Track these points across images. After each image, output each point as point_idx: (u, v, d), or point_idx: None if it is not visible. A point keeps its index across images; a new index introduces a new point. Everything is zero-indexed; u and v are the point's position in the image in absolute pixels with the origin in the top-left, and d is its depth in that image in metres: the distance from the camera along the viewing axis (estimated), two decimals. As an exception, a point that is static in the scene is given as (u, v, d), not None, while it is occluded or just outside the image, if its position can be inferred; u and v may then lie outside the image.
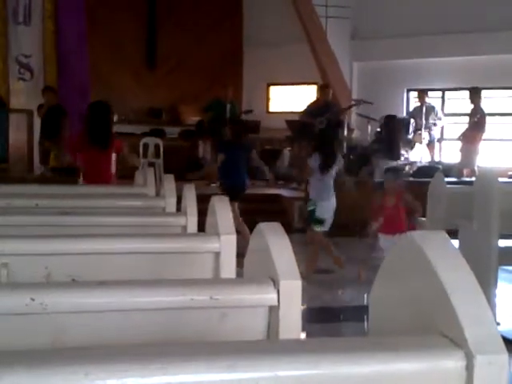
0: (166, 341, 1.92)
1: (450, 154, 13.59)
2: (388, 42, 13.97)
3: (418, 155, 12.99)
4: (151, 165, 10.43)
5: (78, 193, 4.98)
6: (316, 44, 14.51)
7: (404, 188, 7.02)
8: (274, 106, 16.55)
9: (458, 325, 1.41)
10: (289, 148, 13.28)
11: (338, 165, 7.83)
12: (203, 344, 1.64)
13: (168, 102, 15.87)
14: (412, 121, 12.74)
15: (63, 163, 8.89)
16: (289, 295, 1.93)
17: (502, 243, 5.72)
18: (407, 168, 12.31)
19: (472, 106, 11.99)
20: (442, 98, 14.42)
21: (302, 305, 1.97)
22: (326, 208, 7.57)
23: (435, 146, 13.46)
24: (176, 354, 1.40)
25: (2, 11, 12.57)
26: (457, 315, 1.42)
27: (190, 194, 3.63)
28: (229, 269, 2.75)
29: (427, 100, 13.11)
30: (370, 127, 12.24)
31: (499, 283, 5.80)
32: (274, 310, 1.96)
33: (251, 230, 2.16)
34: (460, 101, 13.79)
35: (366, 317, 1.80)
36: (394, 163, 9.31)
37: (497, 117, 13.48)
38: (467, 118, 12.24)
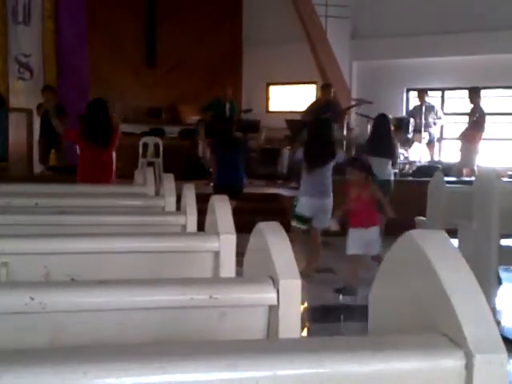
0: (166, 340, 1.92)
1: (449, 153, 13.59)
2: (388, 42, 13.97)
3: (417, 155, 12.99)
4: (151, 164, 10.44)
5: (77, 192, 4.99)
6: (316, 43, 14.51)
7: (371, 182, 6.85)
8: (273, 106, 16.55)
9: (458, 324, 1.41)
10: (288, 147, 13.27)
11: (334, 162, 7.74)
12: (203, 343, 1.64)
13: (168, 102, 15.86)
14: (412, 120, 12.74)
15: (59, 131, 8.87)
16: (288, 294, 1.93)
17: (502, 243, 5.72)
18: (407, 167, 12.32)
19: (471, 106, 11.99)
20: (442, 97, 14.43)
21: (303, 304, 1.97)
22: (309, 205, 7.47)
23: (435, 145, 13.46)
24: (175, 353, 1.40)
25: (2, 10, 12.58)
26: (456, 315, 1.42)
27: (190, 194, 3.63)
28: (228, 268, 2.75)
29: (427, 99, 13.12)
30: (369, 127, 12.24)
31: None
32: (273, 310, 1.96)
33: (250, 229, 2.16)
34: (459, 100, 13.79)
35: (366, 316, 1.79)
36: (388, 162, 9.25)
37: (496, 116, 13.48)
38: (467, 118, 12.24)
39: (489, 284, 5.45)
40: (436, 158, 13.43)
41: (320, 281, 7.36)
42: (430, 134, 13.03)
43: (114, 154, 7.24)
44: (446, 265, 1.51)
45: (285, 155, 13.41)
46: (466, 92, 12.24)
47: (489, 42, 12.78)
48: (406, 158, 12.63)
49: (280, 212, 10.16)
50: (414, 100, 14.18)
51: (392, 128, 12.17)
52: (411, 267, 1.59)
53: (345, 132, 12.18)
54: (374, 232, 6.72)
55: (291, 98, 16.00)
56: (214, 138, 9.89)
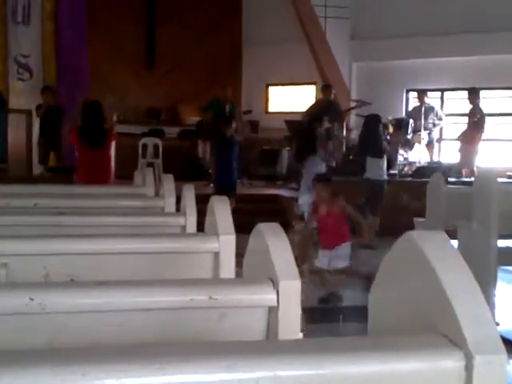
0: (165, 341, 1.92)
1: (449, 154, 13.60)
2: (387, 43, 13.97)
3: (417, 155, 13.00)
4: (150, 165, 10.43)
5: (76, 193, 4.98)
6: (315, 44, 14.52)
7: (338, 198, 6.69)
8: (273, 106, 16.56)
9: (458, 325, 1.41)
10: (288, 148, 13.28)
11: (323, 161, 7.72)
12: (202, 344, 1.64)
13: (167, 102, 15.87)
14: (411, 121, 12.75)
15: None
16: (288, 295, 1.93)
17: (502, 243, 5.72)
18: (406, 168, 12.33)
19: (471, 107, 12.00)
20: (441, 98, 14.44)
21: (302, 304, 1.97)
22: (305, 201, 7.46)
23: (434, 146, 13.47)
24: (175, 354, 1.40)
25: (2, 11, 12.59)
26: (456, 315, 1.42)
27: (189, 194, 3.63)
28: (228, 269, 2.75)
29: (426, 100, 13.12)
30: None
31: (498, 283, 5.80)
32: (273, 311, 1.95)
33: (250, 230, 2.16)
34: (459, 101, 13.80)
35: (365, 317, 1.79)
36: (380, 162, 9.27)
37: (496, 117, 13.48)
38: (466, 119, 12.24)
39: (488, 285, 5.44)
40: (435, 159, 13.44)
41: (318, 282, 7.36)
42: (429, 135, 13.03)
43: (111, 155, 7.25)
44: (445, 265, 1.51)
45: (284, 156, 13.42)
46: (466, 93, 12.25)
47: (488, 43, 12.79)
48: (405, 158, 12.64)
49: (280, 213, 10.17)
50: (413, 101, 14.19)
51: (391, 129, 12.21)
52: (411, 268, 1.59)
53: (344, 133, 12.19)
54: (343, 249, 6.59)
55: (291, 99, 16.01)
56: (213, 139, 9.92)
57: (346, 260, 6.56)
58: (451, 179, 10.40)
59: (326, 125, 9.76)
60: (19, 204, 4.13)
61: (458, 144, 12.42)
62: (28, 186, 5.76)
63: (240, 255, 2.40)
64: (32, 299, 1.87)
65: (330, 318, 6.40)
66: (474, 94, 11.90)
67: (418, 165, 12.54)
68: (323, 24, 14.21)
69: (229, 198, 3.01)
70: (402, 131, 12.29)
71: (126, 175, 6.81)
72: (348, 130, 12.62)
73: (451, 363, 1.40)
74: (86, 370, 1.31)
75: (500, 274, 5.91)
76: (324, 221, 6.61)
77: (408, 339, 1.52)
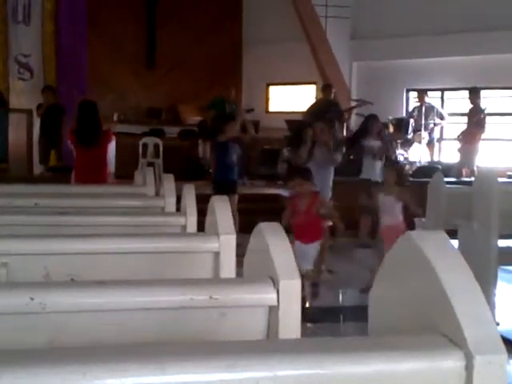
0: (166, 340, 1.92)
1: (449, 153, 13.59)
2: (387, 42, 13.97)
3: (417, 155, 13.00)
4: (151, 164, 10.43)
5: (77, 192, 4.98)
6: (316, 44, 14.52)
7: (318, 194, 6.51)
8: (273, 106, 16.56)
9: (458, 325, 1.41)
10: (288, 148, 13.26)
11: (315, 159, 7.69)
12: (203, 344, 1.64)
13: (167, 102, 15.87)
14: (411, 121, 12.74)
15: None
16: (288, 295, 1.93)
17: (502, 243, 5.72)
18: (406, 168, 12.33)
19: (472, 106, 11.99)
20: (442, 97, 14.43)
21: (303, 304, 1.97)
22: None
23: (435, 145, 13.46)
24: (175, 354, 1.40)
25: (2, 10, 12.58)
26: (456, 315, 1.42)
27: (190, 194, 3.63)
28: (228, 268, 2.75)
29: (427, 100, 13.12)
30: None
31: (499, 283, 5.80)
32: (273, 310, 1.95)
33: (250, 229, 2.16)
34: (459, 101, 13.79)
35: (366, 317, 1.79)
36: (376, 162, 9.27)
37: (496, 117, 13.48)
38: (466, 118, 12.24)
39: (488, 284, 5.44)
40: (436, 159, 13.43)
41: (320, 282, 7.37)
42: (429, 135, 13.03)
43: (108, 155, 7.24)
44: (445, 265, 1.51)
45: (285, 155, 13.39)
46: (466, 92, 12.24)
47: (488, 43, 12.78)
48: (405, 158, 12.64)
49: (280, 212, 10.14)
50: (413, 100, 14.18)
51: (392, 128, 12.21)
52: (411, 268, 1.59)
53: (344, 133, 12.18)
54: (312, 249, 6.28)
55: (291, 99, 16.01)
56: (213, 138, 9.92)
57: (310, 262, 6.24)
58: (451, 179, 10.39)
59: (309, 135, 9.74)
60: (20, 203, 4.13)
61: (458, 144, 12.42)
62: (28, 185, 5.76)
63: (240, 255, 2.40)
64: (32, 299, 1.88)
65: (330, 317, 6.40)
66: (474, 94, 11.90)
67: (418, 164, 12.54)
68: (323, 23, 14.21)
69: (229, 196, 3.01)
70: (402, 131, 12.29)
71: (126, 175, 6.81)
72: (348, 130, 12.61)
73: (451, 363, 1.40)
74: (86, 369, 1.31)
75: (500, 274, 5.91)
76: (301, 216, 6.32)
77: (408, 339, 1.52)
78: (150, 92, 15.57)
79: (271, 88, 16.56)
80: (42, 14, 12.70)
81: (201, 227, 3.19)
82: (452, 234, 4.76)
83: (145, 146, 12.50)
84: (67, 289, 2.04)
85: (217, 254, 2.78)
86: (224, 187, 8.22)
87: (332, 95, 12.33)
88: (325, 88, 12.59)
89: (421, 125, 12.71)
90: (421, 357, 1.42)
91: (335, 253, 8.07)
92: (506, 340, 1.46)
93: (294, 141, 9.61)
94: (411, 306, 1.58)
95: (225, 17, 16.12)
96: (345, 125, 12.25)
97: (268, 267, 1.98)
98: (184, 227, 3.55)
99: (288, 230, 6.36)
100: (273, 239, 2.01)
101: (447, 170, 11.24)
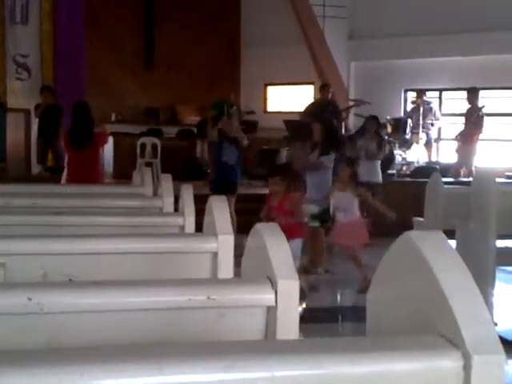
0: (164, 341, 1.91)
1: (447, 154, 13.60)
2: (385, 42, 13.97)
3: (415, 155, 13.00)
4: (149, 165, 10.42)
5: (75, 193, 4.98)
6: (313, 44, 14.52)
7: (293, 192, 6.40)
8: (271, 106, 16.55)
9: (456, 325, 1.41)
10: (286, 148, 13.26)
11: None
12: (201, 344, 1.64)
13: (166, 102, 15.86)
14: (409, 121, 12.74)
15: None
16: (286, 295, 1.93)
17: (500, 243, 5.72)
18: (404, 168, 12.34)
19: (470, 106, 11.99)
20: (440, 98, 14.43)
21: (301, 305, 1.97)
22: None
23: (433, 146, 13.47)
24: (173, 354, 1.40)
25: (0, 11, 12.57)
26: (454, 315, 1.42)
27: (188, 194, 3.63)
28: (226, 269, 2.75)
29: (425, 100, 13.12)
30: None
31: (497, 283, 5.81)
32: (271, 310, 1.95)
33: (248, 230, 2.16)
34: (457, 101, 13.80)
35: (364, 317, 1.79)
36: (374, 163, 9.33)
37: (494, 117, 13.48)
38: (464, 119, 12.24)
39: (486, 285, 5.44)
40: (434, 159, 13.44)
41: (318, 282, 7.37)
42: (427, 135, 13.04)
43: (101, 156, 7.23)
44: (443, 265, 1.51)
45: (283, 156, 13.40)
46: (464, 93, 12.25)
47: (486, 43, 12.78)
48: (403, 158, 12.64)
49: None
50: (411, 101, 14.18)
51: (389, 128, 12.22)
52: (409, 268, 1.59)
53: (343, 132, 12.18)
54: (293, 247, 6.13)
55: (289, 99, 16.00)
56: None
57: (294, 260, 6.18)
58: (449, 179, 10.40)
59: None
60: (18, 203, 4.13)
61: (456, 144, 12.42)
62: (26, 185, 5.77)
63: (238, 255, 2.40)
64: (30, 299, 1.87)
65: (330, 318, 6.40)
66: (473, 94, 11.90)
67: (416, 165, 12.54)
68: (321, 23, 14.20)
69: (227, 196, 3.01)
70: (400, 131, 12.30)
71: (124, 175, 6.81)
72: (346, 130, 12.61)
73: (449, 363, 1.40)
74: (84, 369, 1.31)
75: (498, 274, 5.91)
76: (275, 213, 6.25)
77: (406, 339, 1.52)
78: (148, 92, 15.56)
79: (269, 88, 16.56)
80: (40, 13, 12.69)
81: (199, 227, 3.19)
82: (450, 234, 4.76)
83: (143, 146, 12.50)
84: (65, 289, 2.04)
85: (215, 255, 2.78)
86: (221, 187, 8.22)
87: (330, 95, 12.33)
88: (323, 88, 12.58)
89: (419, 125, 12.71)
90: (419, 357, 1.42)
91: (333, 253, 8.08)
92: (503, 340, 1.46)
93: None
94: (409, 306, 1.58)
95: (223, 17, 16.12)
96: (343, 124, 12.23)
97: (266, 267, 1.98)
98: (182, 227, 3.55)
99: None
100: (270, 239, 2.01)
101: (445, 171, 11.25)
